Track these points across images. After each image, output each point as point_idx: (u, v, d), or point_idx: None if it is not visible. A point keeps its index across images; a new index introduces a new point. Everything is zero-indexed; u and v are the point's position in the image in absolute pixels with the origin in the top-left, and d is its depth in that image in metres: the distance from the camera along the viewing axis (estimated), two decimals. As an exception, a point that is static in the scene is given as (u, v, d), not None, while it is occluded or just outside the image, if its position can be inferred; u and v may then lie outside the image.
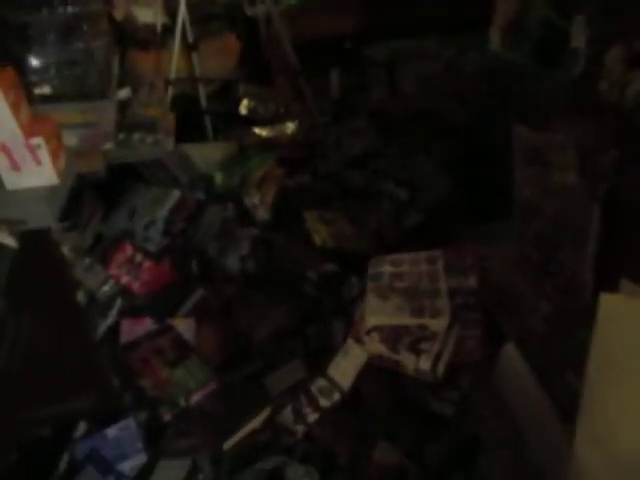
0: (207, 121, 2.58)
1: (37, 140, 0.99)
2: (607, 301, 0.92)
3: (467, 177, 2.31)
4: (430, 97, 2.61)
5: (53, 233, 1.63)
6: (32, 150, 0.99)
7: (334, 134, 2.59)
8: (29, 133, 0.99)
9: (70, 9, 1.44)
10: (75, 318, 1.41)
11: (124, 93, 1.85)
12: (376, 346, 1.48)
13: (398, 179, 2.43)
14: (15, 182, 1.02)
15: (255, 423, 1.47)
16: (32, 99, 1.45)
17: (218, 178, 2.34)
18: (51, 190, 1.03)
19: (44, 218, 1.02)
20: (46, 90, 1.50)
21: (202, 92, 2.55)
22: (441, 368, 1.43)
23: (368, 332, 1.51)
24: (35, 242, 1.02)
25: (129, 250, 1.91)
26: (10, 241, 0.95)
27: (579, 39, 1.29)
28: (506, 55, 1.61)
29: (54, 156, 1.02)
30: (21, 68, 1.49)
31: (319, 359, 1.62)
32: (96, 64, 1.54)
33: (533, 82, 1.49)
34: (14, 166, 1.01)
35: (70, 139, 1.38)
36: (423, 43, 2.74)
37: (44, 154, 1.00)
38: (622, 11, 1.14)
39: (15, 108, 0.97)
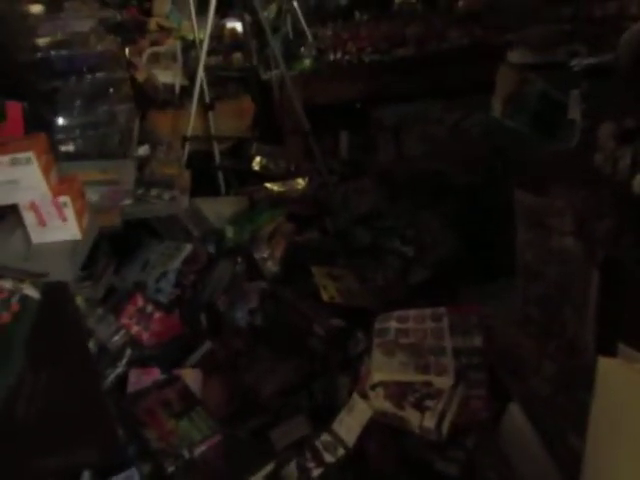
0: (220, 177, 2.68)
1: (64, 199, 1.06)
2: (605, 365, 0.95)
3: (471, 236, 2.37)
4: (435, 159, 2.71)
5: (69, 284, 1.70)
6: (59, 207, 1.06)
7: (342, 193, 2.68)
8: (57, 192, 1.06)
9: (97, 75, 1.54)
10: (86, 370, 1.43)
11: (143, 150, 1.95)
12: (381, 402, 1.49)
13: (404, 237, 2.49)
14: (40, 237, 1.09)
15: (259, 477, 1.47)
16: (57, 156, 1.54)
17: (229, 232, 2.41)
18: (74, 245, 1.09)
19: (66, 271, 1.07)
20: (70, 148, 1.59)
21: (216, 149, 2.66)
22: (445, 427, 1.44)
23: (373, 387, 1.52)
24: (56, 295, 1.07)
25: (140, 301, 1.96)
26: (34, 293, 1.00)
27: (575, 112, 1.37)
28: (507, 123, 1.69)
29: (78, 213, 1.08)
30: (48, 127, 1.59)
31: (324, 415, 1.64)
32: (118, 126, 1.64)
33: (532, 149, 1.57)
34: (40, 222, 1.07)
35: (91, 196, 1.45)
36: (429, 107, 2.86)
37: (69, 211, 1.07)
38: (613, 89, 1.22)
39: (46, 171, 1.04)
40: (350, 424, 1.46)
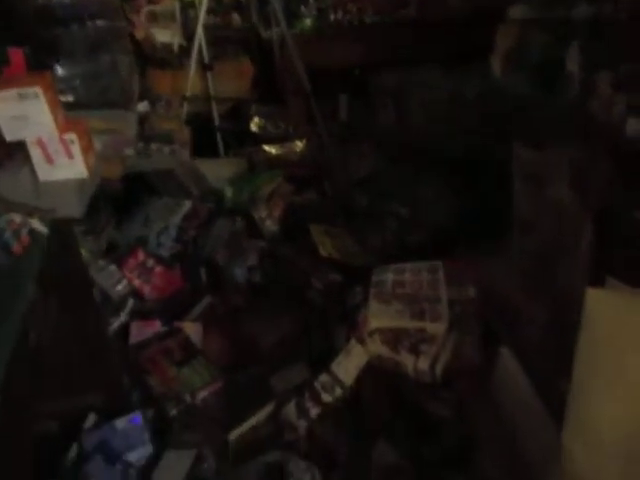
0: (219, 138, 2.69)
1: (71, 136, 1.08)
2: (593, 295, 0.99)
3: (469, 198, 2.40)
4: (434, 123, 2.72)
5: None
6: (65, 145, 1.08)
7: (341, 155, 2.69)
8: (63, 129, 1.09)
9: (98, 23, 1.55)
10: (89, 312, 1.47)
11: (142, 107, 1.96)
12: (378, 347, 1.54)
13: (401, 199, 2.52)
14: (48, 174, 1.11)
15: (259, 417, 1.53)
16: (60, 105, 1.56)
17: (228, 193, 2.43)
18: (81, 183, 1.12)
19: (73, 208, 1.10)
20: (71, 98, 1.60)
21: (215, 110, 2.66)
22: (439, 369, 1.49)
23: (370, 334, 1.57)
24: (62, 231, 1.10)
25: (142, 255, 1.99)
26: (42, 228, 1.03)
27: (573, 64, 1.40)
28: (507, 81, 1.71)
29: (85, 151, 1.10)
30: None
31: (322, 363, 1.69)
32: (120, 76, 1.64)
33: (532, 105, 1.59)
34: (48, 159, 1.09)
35: (96, 144, 1.47)
36: (429, 72, 2.86)
37: (76, 149, 1.09)
38: (610, 38, 1.24)
39: (52, 107, 1.06)
40: (347, 366, 1.51)
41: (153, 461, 1.49)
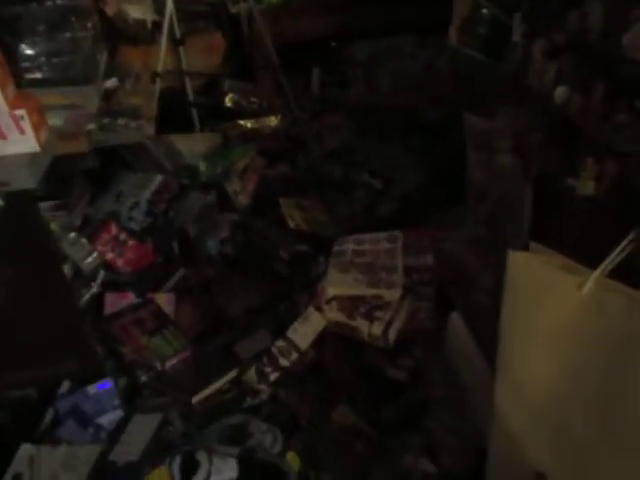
0: (194, 114, 2.71)
1: (20, 112, 1.13)
2: (513, 259, 1.05)
3: (437, 169, 2.45)
4: (406, 95, 2.75)
5: (42, 210, 1.78)
6: (16, 120, 1.13)
7: (314, 128, 2.72)
8: (14, 106, 1.13)
9: (58, 2, 1.58)
10: (58, 283, 1.53)
11: (111, 83, 1.99)
12: (335, 314, 1.61)
13: (373, 171, 2.56)
14: (1, 149, 1.16)
15: (222, 382, 1.60)
16: (23, 83, 1.59)
17: (202, 167, 2.47)
18: (33, 157, 1.17)
19: (26, 181, 1.15)
20: (36, 75, 1.64)
21: (189, 86, 2.69)
22: (392, 334, 1.56)
23: (328, 301, 1.64)
24: (19, 202, 1.15)
25: (114, 229, 2.05)
26: (-3, 200, 1.09)
27: (517, 34, 1.43)
28: (462, 50, 1.74)
29: (36, 127, 1.15)
30: (14, 55, 1.63)
31: (286, 330, 1.76)
32: (82, 53, 1.67)
33: (481, 74, 1.63)
34: (1, 135, 1.15)
35: (56, 120, 1.51)
36: (401, 43, 2.87)
37: (27, 124, 1.14)
38: (548, 7, 1.27)
39: (1, 85, 1.11)
40: (304, 332, 1.58)
41: (123, 424, 1.56)
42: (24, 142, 1.15)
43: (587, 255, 1.02)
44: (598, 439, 1.00)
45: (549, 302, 1.02)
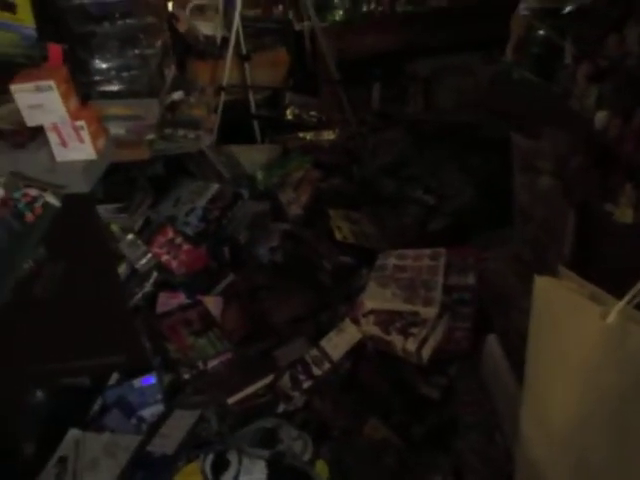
0: (255, 126, 2.82)
1: (80, 123, 1.25)
2: (541, 284, 1.03)
3: (492, 188, 2.41)
4: (464, 111, 2.73)
5: (104, 212, 1.92)
6: (76, 130, 1.24)
7: (371, 143, 2.76)
8: (75, 117, 1.25)
9: (129, 21, 1.71)
10: (112, 280, 1.65)
11: (177, 95, 2.11)
12: (370, 327, 1.63)
13: (427, 187, 2.56)
14: (63, 155, 1.28)
15: (259, 386, 1.65)
16: (93, 95, 1.74)
17: (259, 177, 2.56)
18: (89, 163, 1.28)
19: (80, 185, 1.27)
20: (106, 88, 1.78)
21: (252, 99, 2.80)
22: (426, 352, 1.56)
23: (365, 315, 1.66)
24: (76, 204, 1.26)
25: (170, 233, 2.16)
26: (54, 201, 1.20)
27: (569, 56, 1.41)
28: (515, 69, 1.73)
29: (94, 137, 1.27)
30: (87, 69, 1.77)
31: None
32: (148, 68, 1.80)
33: (533, 94, 1.61)
34: (62, 142, 1.26)
35: (119, 129, 1.64)
36: (463, 60, 2.86)
37: (85, 134, 1.25)
38: (594, 30, 1.24)
39: (65, 98, 1.23)
40: (337, 343, 1.61)
41: (163, 418, 1.65)
42: (82, 150, 1.26)
43: (621, 283, 0.99)
44: (620, 469, 0.97)
45: (573, 329, 1.00)
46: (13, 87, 1.20)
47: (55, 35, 1.67)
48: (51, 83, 1.20)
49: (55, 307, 1.43)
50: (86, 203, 1.33)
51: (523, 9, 1.72)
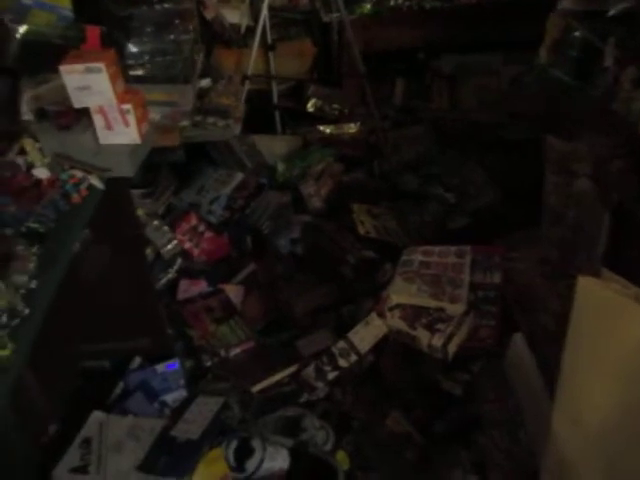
0: (277, 116, 2.82)
1: (127, 106, 1.25)
2: (583, 284, 1.04)
3: (513, 188, 2.42)
4: (488, 111, 2.73)
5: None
6: (122, 114, 1.24)
7: (393, 138, 2.75)
8: (122, 100, 1.25)
9: (165, 6, 1.71)
10: (141, 265, 1.66)
11: (205, 82, 2.11)
12: (396, 321, 1.64)
13: (448, 185, 2.56)
14: (107, 138, 1.28)
15: (282, 375, 1.67)
16: (128, 79, 1.73)
17: (280, 168, 2.56)
18: (134, 148, 1.28)
19: (126, 169, 1.27)
20: (140, 72, 1.78)
21: (275, 89, 2.79)
22: (452, 348, 1.57)
23: (391, 309, 1.67)
24: (116, 188, 1.27)
25: (194, 220, 2.17)
26: (99, 184, 1.20)
27: (610, 59, 1.41)
28: (550, 71, 1.73)
29: (139, 121, 1.26)
30: (122, 53, 1.77)
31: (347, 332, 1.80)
32: (182, 54, 1.80)
33: (571, 96, 1.61)
34: (108, 126, 1.26)
35: (154, 114, 1.64)
36: (488, 59, 2.86)
37: (132, 118, 1.25)
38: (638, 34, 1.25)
39: (113, 80, 1.23)
40: (364, 335, 1.62)
41: (187, 403, 1.66)
42: (127, 134, 1.26)
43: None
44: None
45: (616, 331, 1.00)
46: (63, 68, 1.20)
47: (92, 17, 1.67)
48: (101, 65, 1.20)
49: (91, 289, 1.44)
50: (124, 187, 1.33)
51: (560, 10, 1.71)
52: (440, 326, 1.59)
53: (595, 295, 1.04)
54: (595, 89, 1.47)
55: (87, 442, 1.56)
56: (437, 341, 1.56)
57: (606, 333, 1.03)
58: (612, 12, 1.38)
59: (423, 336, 1.59)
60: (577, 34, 1.58)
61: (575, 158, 1.45)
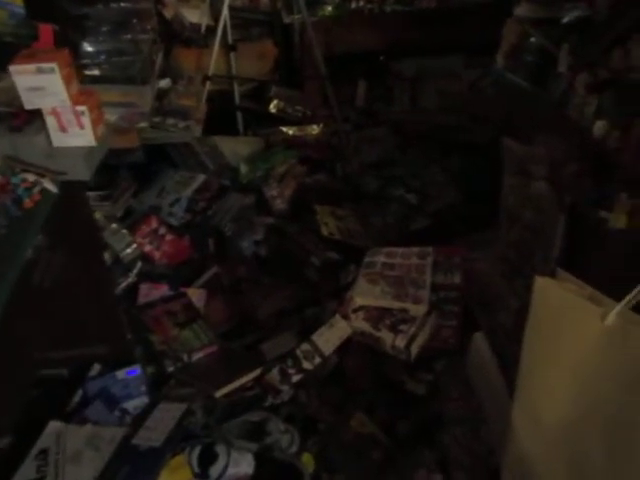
0: (239, 117, 2.80)
1: (82, 108, 1.21)
2: (540, 284, 1.07)
3: (473, 189, 2.47)
4: (448, 113, 2.78)
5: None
6: (77, 115, 1.21)
7: (355, 140, 2.77)
8: (76, 102, 1.21)
9: (122, 4, 1.67)
10: (99, 269, 1.61)
11: (164, 83, 2.08)
12: (360, 323, 1.65)
13: (409, 186, 2.59)
14: (61, 141, 1.24)
15: (246, 379, 1.65)
16: (83, 79, 1.69)
17: (243, 170, 2.54)
18: (90, 150, 1.25)
19: (81, 173, 1.23)
20: (96, 72, 1.73)
21: (237, 90, 2.77)
22: (415, 348, 1.59)
23: (355, 311, 1.67)
24: (71, 191, 1.23)
25: (154, 222, 2.13)
26: (52, 187, 1.16)
27: (563, 65, 1.45)
28: (507, 76, 1.77)
29: (94, 123, 1.23)
30: (76, 52, 1.72)
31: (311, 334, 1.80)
32: (140, 54, 1.76)
33: (527, 101, 1.65)
34: (61, 128, 1.22)
35: (111, 115, 1.60)
36: (449, 62, 2.90)
37: (87, 120, 1.21)
38: (594, 42, 1.29)
39: (67, 81, 1.19)
40: (328, 337, 1.62)
41: (148, 410, 1.63)
42: (82, 136, 1.23)
43: (614, 288, 1.03)
44: (614, 470, 1.01)
45: (572, 330, 1.03)
46: (13, 68, 1.16)
47: (45, 15, 1.62)
48: (53, 65, 1.16)
49: (45, 296, 1.39)
50: (80, 190, 1.30)
51: (517, 17, 1.75)
52: (403, 327, 1.61)
53: (552, 295, 1.06)
54: (551, 94, 1.51)
55: (44, 453, 1.50)
56: (400, 342, 1.57)
57: (562, 332, 1.06)
58: (566, 19, 1.42)
59: (387, 337, 1.60)
60: (533, 40, 1.62)
61: (532, 161, 1.49)
